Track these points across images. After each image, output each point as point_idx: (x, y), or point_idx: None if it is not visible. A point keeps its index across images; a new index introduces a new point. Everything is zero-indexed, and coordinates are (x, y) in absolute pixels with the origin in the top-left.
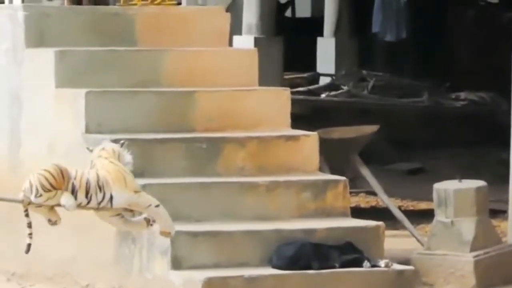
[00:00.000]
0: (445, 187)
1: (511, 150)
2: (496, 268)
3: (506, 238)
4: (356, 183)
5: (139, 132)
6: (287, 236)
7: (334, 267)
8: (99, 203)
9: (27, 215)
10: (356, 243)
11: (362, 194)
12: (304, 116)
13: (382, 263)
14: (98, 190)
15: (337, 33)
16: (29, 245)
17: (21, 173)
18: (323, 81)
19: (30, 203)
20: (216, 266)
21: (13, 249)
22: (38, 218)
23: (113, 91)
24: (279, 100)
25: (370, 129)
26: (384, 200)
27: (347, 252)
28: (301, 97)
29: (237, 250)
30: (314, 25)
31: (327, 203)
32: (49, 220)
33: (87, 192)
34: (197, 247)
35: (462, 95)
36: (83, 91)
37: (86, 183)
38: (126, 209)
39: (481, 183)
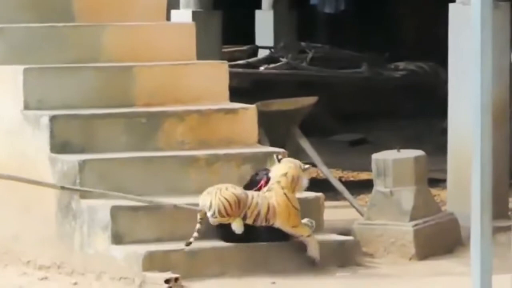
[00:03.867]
0: (383, 157)
1: (449, 119)
2: (436, 236)
3: (446, 206)
4: (298, 155)
5: (79, 107)
6: None
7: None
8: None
9: (200, 223)
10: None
11: None
12: (244, 89)
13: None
14: (264, 220)
15: (275, 5)
16: (189, 243)
17: None
18: (262, 54)
19: (205, 215)
20: (158, 240)
21: None
22: None
23: (52, 67)
24: (217, 74)
25: (309, 100)
26: (323, 171)
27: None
28: (240, 70)
29: (179, 224)
30: None
31: None
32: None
33: (254, 220)
34: (138, 222)
35: (401, 65)
36: (21, 67)
37: (257, 214)
38: None
39: (419, 152)
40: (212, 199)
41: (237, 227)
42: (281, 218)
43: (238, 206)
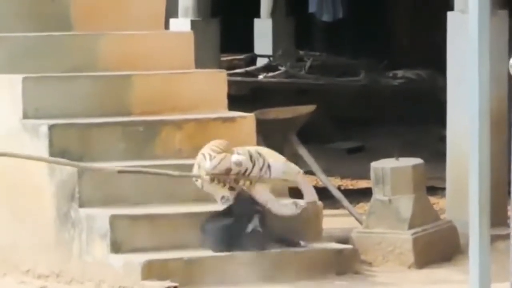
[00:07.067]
0: (382, 165)
1: (448, 127)
2: (435, 244)
3: (445, 215)
4: (297, 163)
5: (77, 116)
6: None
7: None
8: (261, 169)
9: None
10: (294, 222)
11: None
12: (243, 97)
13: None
14: (258, 156)
15: (273, 14)
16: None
17: None
18: (261, 62)
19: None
20: (156, 249)
21: None
22: None
23: (50, 76)
24: (215, 82)
25: (307, 109)
26: (322, 179)
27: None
28: (239, 78)
29: (177, 232)
30: (251, 6)
31: None
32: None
33: (250, 156)
34: (136, 230)
35: (400, 73)
36: (20, 76)
37: (248, 151)
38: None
39: (417, 160)
40: (201, 152)
41: (237, 157)
42: (269, 155)
43: (226, 146)
